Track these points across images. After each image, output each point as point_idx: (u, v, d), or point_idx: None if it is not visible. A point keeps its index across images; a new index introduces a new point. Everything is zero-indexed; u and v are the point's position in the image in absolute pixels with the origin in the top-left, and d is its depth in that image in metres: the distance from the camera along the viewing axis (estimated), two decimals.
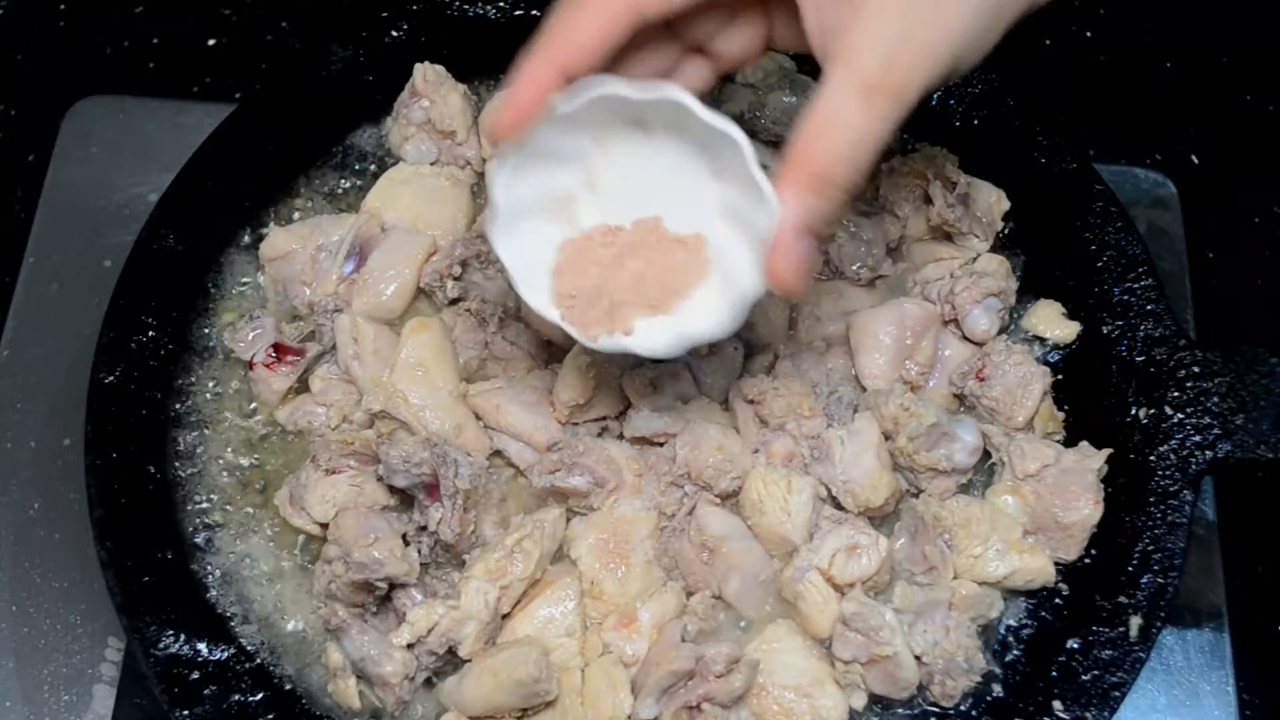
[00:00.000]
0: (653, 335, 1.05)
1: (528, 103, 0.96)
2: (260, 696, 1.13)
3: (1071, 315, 1.29)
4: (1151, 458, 1.19)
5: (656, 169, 1.03)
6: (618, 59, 1.00)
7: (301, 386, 1.27)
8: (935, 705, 1.14)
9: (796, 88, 1.37)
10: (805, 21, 0.96)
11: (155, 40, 1.61)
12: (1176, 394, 1.20)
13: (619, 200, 1.06)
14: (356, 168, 1.40)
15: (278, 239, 1.30)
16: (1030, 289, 1.32)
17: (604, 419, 1.23)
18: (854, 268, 1.30)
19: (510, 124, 0.97)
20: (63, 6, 1.64)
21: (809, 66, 1.40)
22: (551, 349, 1.27)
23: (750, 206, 0.97)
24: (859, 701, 1.13)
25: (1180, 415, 1.19)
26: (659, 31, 1.03)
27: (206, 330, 1.30)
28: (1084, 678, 1.12)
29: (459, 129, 1.35)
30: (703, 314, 1.04)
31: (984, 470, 1.24)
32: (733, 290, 1.02)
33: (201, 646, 1.13)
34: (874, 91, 0.91)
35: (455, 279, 1.28)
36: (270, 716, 1.12)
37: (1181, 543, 1.15)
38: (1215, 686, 1.27)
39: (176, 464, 1.23)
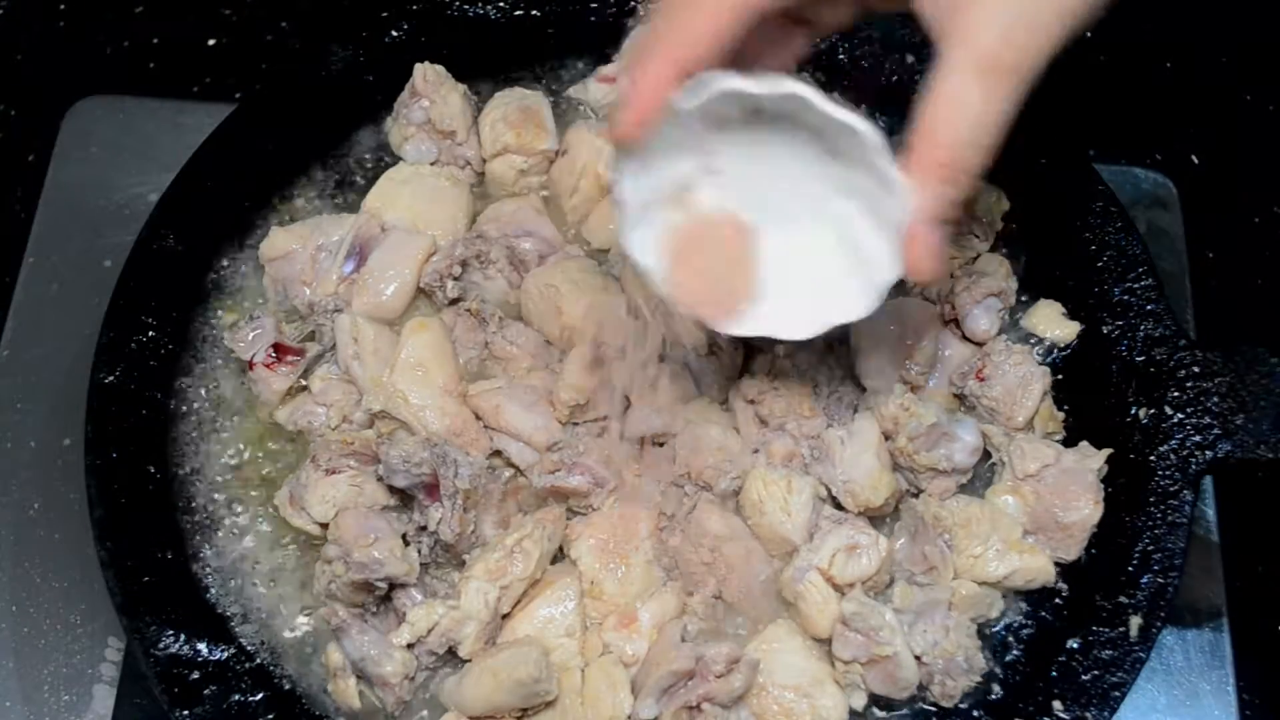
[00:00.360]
0: (790, 320, 1.06)
1: (649, 105, 0.95)
2: (260, 696, 1.13)
3: (1071, 315, 1.29)
4: (1151, 458, 1.18)
5: (773, 152, 1.02)
6: None
7: (301, 386, 1.27)
8: (935, 705, 1.14)
9: None
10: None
11: (155, 40, 1.61)
12: (1176, 394, 1.20)
13: (737, 182, 1.05)
14: (356, 168, 1.40)
15: (278, 239, 1.30)
16: (1030, 289, 1.32)
17: (604, 419, 1.23)
18: None
19: (634, 128, 0.96)
20: (63, 6, 1.64)
21: (806, 68, 1.40)
22: (551, 349, 1.27)
23: (878, 191, 0.97)
24: (859, 701, 1.13)
25: (1180, 415, 1.19)
26: None
27: (206, 330, 1.30)
28: (1084, 678, 1.12)
29: (459, 129, 1.35)
30: (842, 299, 1.04)
31: (984, 470, 1.24)
32: (868, 273, 1.02)
33: (201, 646, 1.13)
34: (992, 71, 0.90)
35: (455, 279, 1.28)
36: (270, 716, 1.12)
37: (1181, 543, 1.15)
38: (1215, 686, 1.27)
39: (176, 464, 1.23)
